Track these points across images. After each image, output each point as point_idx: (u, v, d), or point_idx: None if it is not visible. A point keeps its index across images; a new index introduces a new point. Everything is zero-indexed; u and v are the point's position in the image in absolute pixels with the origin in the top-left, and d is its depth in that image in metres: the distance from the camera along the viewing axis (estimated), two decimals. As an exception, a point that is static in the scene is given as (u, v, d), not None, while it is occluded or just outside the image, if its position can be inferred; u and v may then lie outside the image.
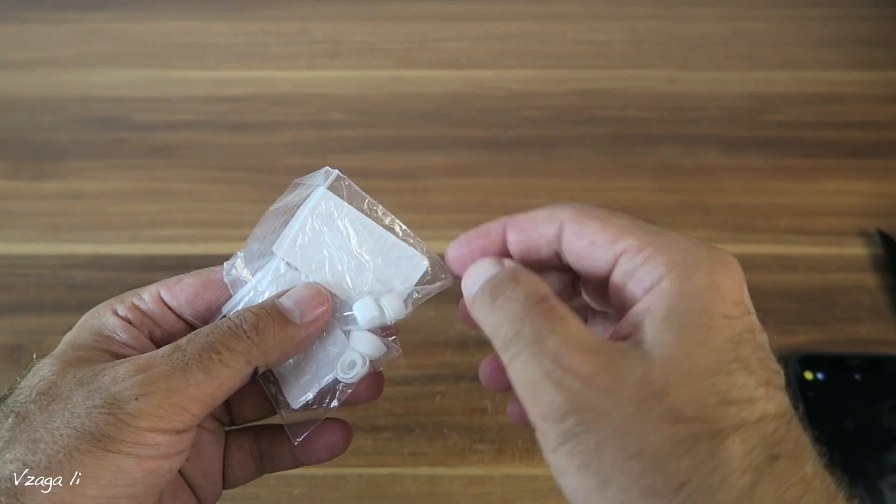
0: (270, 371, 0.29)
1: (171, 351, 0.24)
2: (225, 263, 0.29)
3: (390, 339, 0.29)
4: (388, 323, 0.29)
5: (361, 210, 0.29)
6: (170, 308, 0.29)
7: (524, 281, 0.24)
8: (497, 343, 0.23)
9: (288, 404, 0.29)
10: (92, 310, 0.28)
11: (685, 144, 0.62)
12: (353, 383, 0.28)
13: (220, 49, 0.70)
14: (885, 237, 0.54)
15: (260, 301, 0.28)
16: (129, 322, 0.27)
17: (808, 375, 0.46)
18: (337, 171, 0.29)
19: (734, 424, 0.20)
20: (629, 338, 0.23)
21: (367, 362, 0.28)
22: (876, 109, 0.65)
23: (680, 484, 0.19)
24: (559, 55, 0.70)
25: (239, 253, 0.29)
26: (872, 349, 0.48)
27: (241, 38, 0.72)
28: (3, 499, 0.20)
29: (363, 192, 0.30)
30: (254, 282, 0.29)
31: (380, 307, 0.28)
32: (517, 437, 0.44)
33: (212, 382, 0.24)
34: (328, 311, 0.28)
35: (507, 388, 0.27)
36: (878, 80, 0.68)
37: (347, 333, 0.29)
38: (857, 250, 0.54)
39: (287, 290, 0.28)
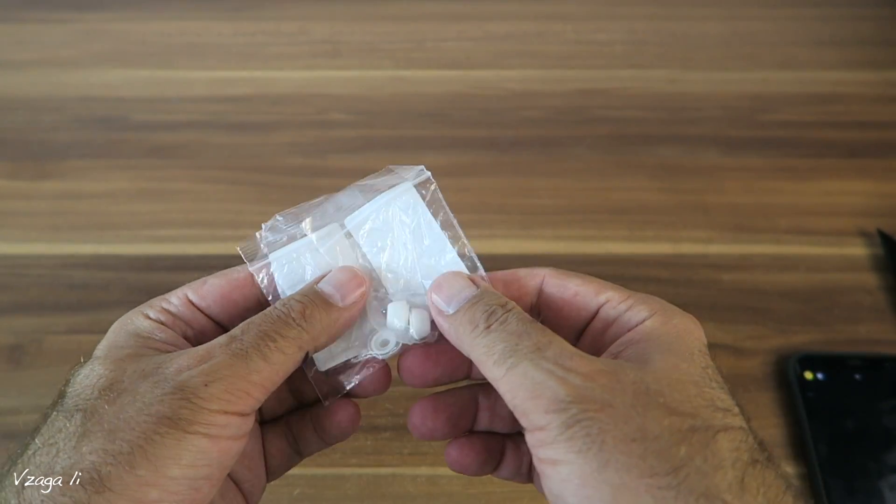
0: None
1: (228, 341, 0.25)
2: (263, 226, 0.30)
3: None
4: (413, 338, 0.29)
5: (436, 217, 0.30)
6: (198, 309, 0.29)
7: (514, 306, 0.26)
8: (491, 359, 0.25)
9: (314, 364, 0.30)
10: (120, 318, 0.28)
11: (685, 144, 0.62)
12: (385, 359, 0.30)
13: (220, 49, 0.70)
14: (885, 237, 0.54)
15: (311, 257, 0.30)
16: (163, 324, 0.28)
17: (808, 375, 0.46)
18: (429, 173, 0.31)
19: (723, 425, 0.22)
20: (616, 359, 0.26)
21: (400, 343, 0.29)
22: (876, 109, 0.65)
23: (677, 467, 0.21)
24: (559, 55, 0.70)
25: (278, 216, 0.30)
26: (872, 349, 0.48)
27: (241, 38, 0.72)
28: (89, 488, 0.21)
29: (444, 203, 0.30)
30: (314, 238, 0.30)
31: (408, 320, 0.29)
32: (517, 437, 0.44)
33: (271, 369, 0.25)
34: (366, 292, 0.29)
35: (433, 434, 0.30)
36: (878, 80, 0.68)
37: (385, 312, 0.30)
38: (857, 250, 0.54)
39: (324, 275, 0.29)
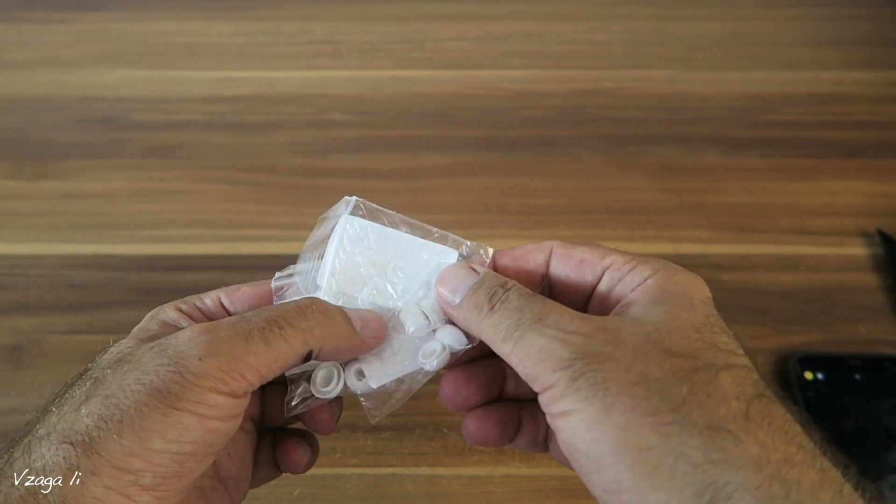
0: None
1: (237, 320, 0.26)
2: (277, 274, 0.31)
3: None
4: (434, 327, 0.30)
5: (383, 224, 0.31)
6: (228, 312, 0.30)
7: (513, 285, 0.28)
8: (499, 336, 0.26)
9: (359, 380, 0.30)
10: (154, 309, 0.30)
11: (685, 144, 0.62)
12: (432, 371, 0.30)
13: (220, 49, 0.70)
14: (885, 237, 0.54)
15: None
16: (190, 317, 0.29)
17: (808, 375, 0.46)
18: (355, 197, 0.32)
19: (724, 364, 0.23)
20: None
21: (448, 352, 0.30)
22: (876, 109, 0.65)
23: (679, 404, 0.22)
24: (559, 55, 0.70)
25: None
26: (872, 349, 0.48)
27: (241, 38, 0.72)
28: (79, 450, 0.22)
29: (381, 207, 0.31)
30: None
31: (423, 313, 0.30)
32: (517, 437, 0.44)
33: (269, 354, 0.25)
34: (381, 339, 0.30)
35: (466, 403, 0.31)
36: (878, 80, 0.68)
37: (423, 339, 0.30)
38: (857, 250, 0.54)
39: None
